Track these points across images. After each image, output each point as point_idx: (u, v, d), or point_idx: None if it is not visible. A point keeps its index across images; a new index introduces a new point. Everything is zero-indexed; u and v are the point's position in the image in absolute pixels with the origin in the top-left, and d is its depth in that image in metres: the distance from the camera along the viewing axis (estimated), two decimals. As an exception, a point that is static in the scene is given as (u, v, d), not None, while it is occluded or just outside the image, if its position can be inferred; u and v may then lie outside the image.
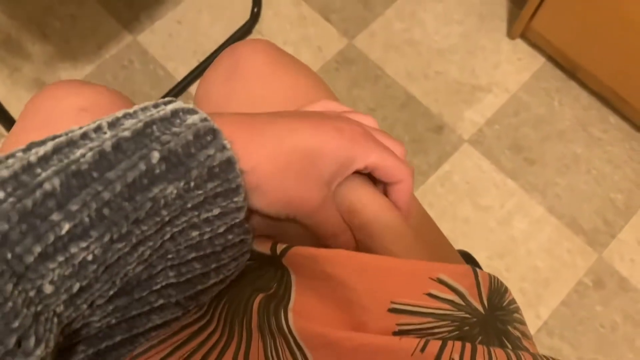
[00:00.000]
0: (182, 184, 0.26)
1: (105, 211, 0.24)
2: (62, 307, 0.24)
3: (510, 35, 1.19)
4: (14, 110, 1.09)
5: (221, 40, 1.17)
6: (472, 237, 1.06)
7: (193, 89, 1.14)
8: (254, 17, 1.19)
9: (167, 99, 0.29)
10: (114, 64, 1.16)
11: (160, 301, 0.29)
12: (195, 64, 1.15)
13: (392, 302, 0.30)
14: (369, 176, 0.36)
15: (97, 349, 0.29)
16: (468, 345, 0.29)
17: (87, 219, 0.23)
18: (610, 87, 1.08)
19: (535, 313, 1.01)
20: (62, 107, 0.45)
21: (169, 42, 1.18)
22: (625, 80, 1.04)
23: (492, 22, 1.22)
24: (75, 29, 1.18)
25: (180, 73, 1.15)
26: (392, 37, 1.20)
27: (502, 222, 1.07)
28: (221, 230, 0.29)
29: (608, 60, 1.04)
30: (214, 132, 0.27)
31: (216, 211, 0.28)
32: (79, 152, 0.25)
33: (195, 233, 0.29)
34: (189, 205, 0.27)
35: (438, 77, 1.17)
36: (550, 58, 1.18)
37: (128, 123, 0.26)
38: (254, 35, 1.20)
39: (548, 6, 1.05)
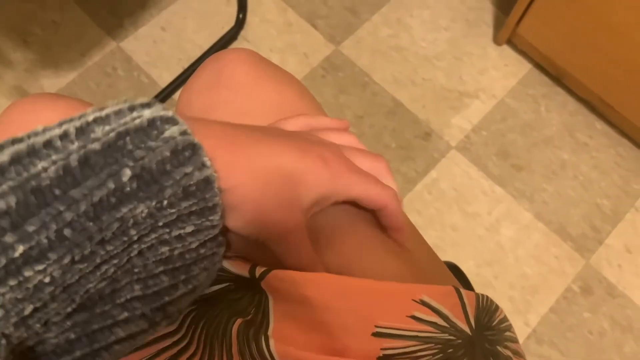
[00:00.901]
0: (154, 203, 0.24)
1: (67, 232, 0.22)
2: (11, 329, 0.22)
3: (497, 41, 1.19)
4: (-6, 119, 1.07)
5: (206, 46, 1.16)
6: (460, 244, 1.05)
7: (177, 96, 1.13)
8: (239, 23, 1.18)
9: (144, 100, 0.26)
10: (97, 71, 1.14)
11: (125, 314, 0.27)
12: (179, 71, 1.14)
13: (376, 326, 0.29)
14: None
15: None
16: (453, 369, 0.28)
17: (45, 241, 0.22)
18: (596, 93, 1.08)
19: (524, 320, 1.00)
20: (36, 122, 0.44)
21: (153, 49, 1.16)
22: (611, 86, 1.04)
23: (479, 29, 1.21)
24: (58, 35, 1.17)
25: (165, 80, 1.13)
26: (379, 43, 1.20)
27: (490, 229, 1.06)
28: (193, 246, 0.28)
29: (594, 66, 1.04)
30: (193, 148, 0.25)
31: (189, 229, 0.27)
32: (40, 165, 0.22)
33: (165, 249, 0.27)
34: (160, 224, 0.25)
35: (425, 83, 1.16)
36: (537, 64, 1.18)
37: (99, 131, 0.24)
38: (240, 41, 1.19)
39: (534, 13, 1.05)
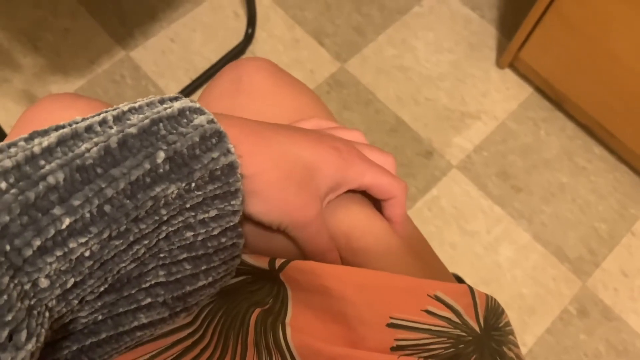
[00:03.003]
0: (184, 184, 0.26)
1: (107, 208, 0.24)
2: (54, 302, 0.24)
3: (499, 64, 1.22)
4: (1, 121, 1.08)
5: (214, 59, 1.18)
6: (458, 262, 1.06)
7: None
8: (248, 38, 1.20)
9: (172, 95, 0.28)
10: (106, 78, 1.15)
11: (148, 299, 0.29)
12: (187, 82, 1.16)
13: (391, 317, 0.30)
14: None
15: (82, 345, 0.28)
16: (464, 364, 0.29)
17: (88, 215, 0.23)
18: (595, 119, 1.10)
19: (520, 340, 1.01)
20: (56, 121, 0.45)
21: (162, 59, 1.18)
22: (610, 113, 1.07)
23: (482, 52, 1.24)
24: (68, 42, 1.18)
25: (172, 90, 1.15)
26: (383, 62, 1.22)
27: (488, 248, 1.07)
28: (215, 232, 0.29)
29: (593, 93, 1.06)
30: (219, 135, 0.27)
31: (212, 213, 0.29)
32: (83, 146, 0.24)
33: (189, 234, 0.28)
34: (188, 206, 0.27)
35: (428, 103, 1.18)
36: (538, 88, 1.20)
37: (134, 118, 0.26)
38: (247, 56, 1.21)
39: (536, 38, 1.08)
